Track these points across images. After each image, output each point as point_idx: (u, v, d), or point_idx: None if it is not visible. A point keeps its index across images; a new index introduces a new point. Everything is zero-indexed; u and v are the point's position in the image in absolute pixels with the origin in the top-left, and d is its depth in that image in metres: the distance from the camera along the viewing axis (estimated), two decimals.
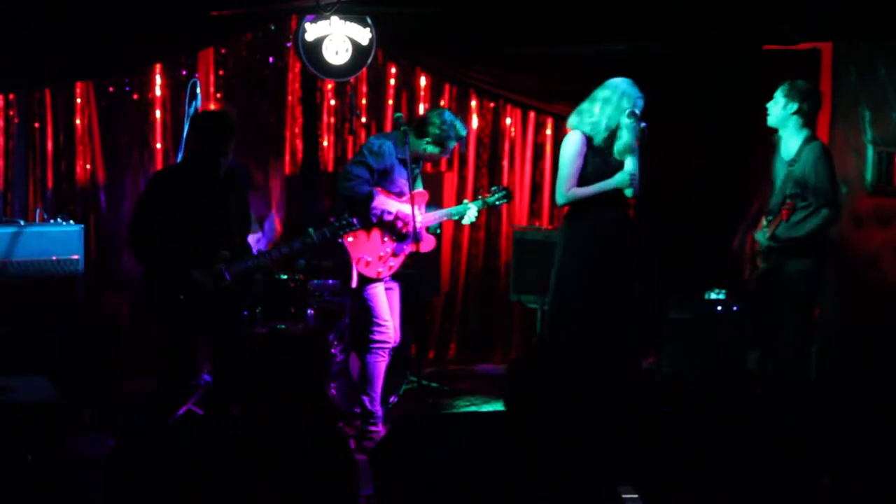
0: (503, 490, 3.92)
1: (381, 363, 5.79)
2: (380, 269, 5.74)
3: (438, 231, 6.09)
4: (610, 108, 5.50)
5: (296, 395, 5.83)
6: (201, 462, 2.90)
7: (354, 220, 5.37)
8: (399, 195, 5.72)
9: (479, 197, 6.16)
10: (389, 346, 5.80)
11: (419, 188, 5.87)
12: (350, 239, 5.67)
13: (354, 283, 5.72)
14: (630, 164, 5.47)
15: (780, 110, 5.62)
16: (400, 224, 5.72)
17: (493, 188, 6.32)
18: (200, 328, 5.13)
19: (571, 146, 5.56)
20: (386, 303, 5.79)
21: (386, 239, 5.77)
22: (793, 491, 2.53)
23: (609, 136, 5.53)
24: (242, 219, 5.25)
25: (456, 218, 6.00)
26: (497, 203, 6.22)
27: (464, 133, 5.85)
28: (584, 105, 5.59)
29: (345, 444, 3.03)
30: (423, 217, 5.84)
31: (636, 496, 2.56)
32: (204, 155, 5.03)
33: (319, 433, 2.99)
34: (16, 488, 4.12)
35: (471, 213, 5.96)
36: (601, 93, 5.56)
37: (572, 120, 5.61)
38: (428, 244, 5.92)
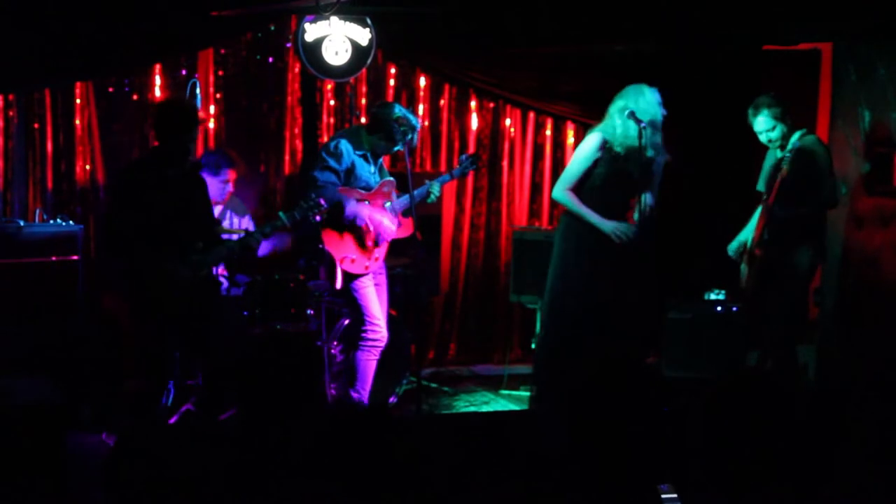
0: (503, 490, 3.92)
1: (371, 361, 5.81)
2: (367, 264, 5.78)
3: (431, 199, 6.04)
4: (623, 119, 5.53)
5: (295, 396, 5.83)
6: (200, 462, 2.90)
7: (322, 201, 5.41)
8: (366, 189, 5.76)
9: (448, 171, 6.20)
10: (382, 344, 5.82)
11: (386, 177, 5.89)
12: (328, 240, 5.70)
13: (339, 285, 5.74)
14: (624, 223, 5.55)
15: (782, 128, 5.79)
16: (371, 233, 5.76)
17: (460, 157, 6.35)
18: (181, 324, 5.11)
19: (585, 147, 5.62)
20: (376, 300, 5.81)
21: (366, 233, 5.80)
22: (792, 492, 2.53)
23: (628, 146, 5.55)
24: (207, 208, 5.29)
25: (419, 200, 5.94)
26: (465, 172, 6.26)
27: (416, 124, 5.81)
28: (611, 108, 5.62)
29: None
30: (393, 203, 5.89)
31: (675, 496, 2.55)
32: (169, 145, 5.05)
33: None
34: (16, 488, 4.12)
35: (434, 189, 5.98)
36: (619, 101, 5.58)
37: (602, 122, 5.67)
38: (406, 229, 5.95)
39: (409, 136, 5.72)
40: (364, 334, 5.78)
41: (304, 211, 5.42)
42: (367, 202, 5.78)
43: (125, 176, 5.27)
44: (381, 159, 5.93)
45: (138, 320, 5.17)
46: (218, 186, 6.27)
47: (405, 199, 5.87)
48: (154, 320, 5.05)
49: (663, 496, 2.58)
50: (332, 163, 5.67)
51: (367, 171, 5.80)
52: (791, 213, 5.75)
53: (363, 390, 5.82)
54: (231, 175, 6.40)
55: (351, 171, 5.73)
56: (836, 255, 6.70)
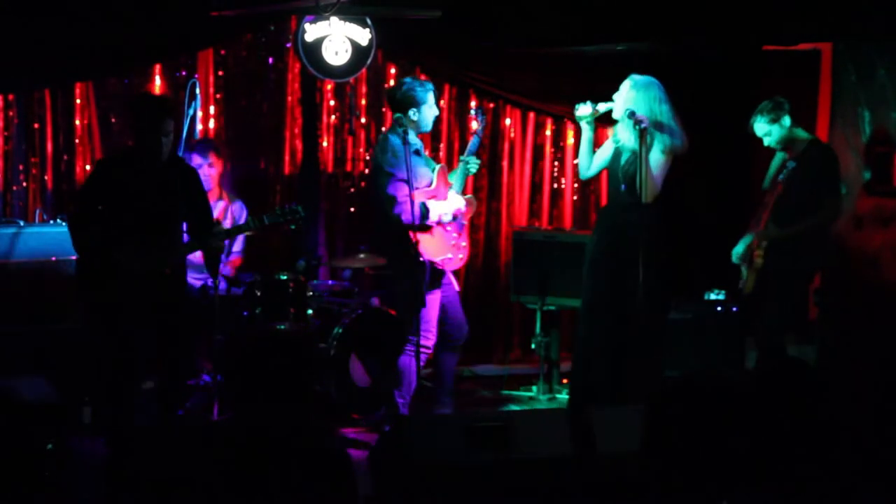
0: (503, 490, 3.92)
1: (415, 365, 5.84)
2: (460, 255, 5.88)
3: (471, 171, 6.06)
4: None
5: (294, 397, 5.83)
6: (200, 463, 2.90)
7: (299, 208, 5.38)
8: (428, 186, 5.79)
9: (475, 133, 6.18)
10: (430, 351, 5.86)
11: (436, 166, 5.90)
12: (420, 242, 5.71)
13: (457, 287, 5.89)
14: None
15: (779, 130, 5.76)
16: (455, 225, 5.83)
17: (475, 113, 6.36)
18: (141, 321, 5.11)
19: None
20: (436, 310, 5.83)
21: (449, 227, 5.86)
22: (792, 491, 2.53)
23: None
24: (193, 202, 5.25)
25: (466, 175, 5.98)
26: (484, 126, 6.26)
27: (427, 85, 5.84)
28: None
29: (341, 447, 3.03)
30: (454, 186, 5.91)
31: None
32: (141, 139, 5.07)
33: (315, 436, 3.00)
34: (16, 488, 4.12)
35: (471, 162, 5.99)
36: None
37: None
38: (471, 208, 6.05)
39: (428, 96, 5.76)
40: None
41: (277, 217, 5.36)
42: (436, 198, 5.79)
43: (95, 171, 5.31)
44: (421, 148, 5.90)
45: (93, 316, 5.18)
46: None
47: (458, 175, 5.90)
48: (107, 315, 5.07)
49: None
50: (399, 172, 5.61)
51: (422, 166, 5.81)
52: (787, 230, 5.74)
53: (408, 395, 5.83)
54: (196, 159, 6.25)
55: (412, 171, 5.74)
56: (836, 255, 6.70)
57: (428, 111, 5.79)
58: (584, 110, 5.68)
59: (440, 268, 5.76)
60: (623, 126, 5.61)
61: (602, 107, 5.67)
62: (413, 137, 5.72)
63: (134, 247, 5.01)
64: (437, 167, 5.89)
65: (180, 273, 5.24)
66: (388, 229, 5.72)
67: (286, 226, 5.41)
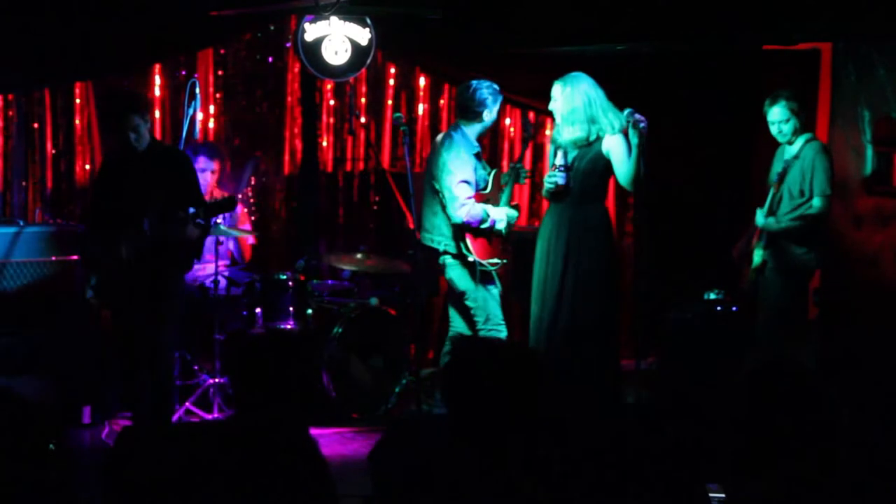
0: (502, 489, 3.91)
1: None
2: (505, 261, 5.96)
3: (522, 180, 6.13)
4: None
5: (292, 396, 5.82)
6: (200, 462, 2.90)
7: (238, 196, 5.65)
8: (484, 190, 5.84)
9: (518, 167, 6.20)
10: None
11: (490, 171, 5.94)
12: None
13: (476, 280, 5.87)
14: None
15: (796, 122, 5.77)
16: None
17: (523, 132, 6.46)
18: (125, 311, 5.28)
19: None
20: (497, 304, 5.94)
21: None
22: (794, 488, 2.53)
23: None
24: (176, 197, 5.23)
25: (511, 183, 6.00)
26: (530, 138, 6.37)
27: (494, 86, 5.85)
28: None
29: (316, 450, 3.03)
30: (506, 196, 5.97)
31: (723, 496, 2.55)
32: (112, 136, 5.23)
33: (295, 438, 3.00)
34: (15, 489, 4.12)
35: (522, 173, 6.03)
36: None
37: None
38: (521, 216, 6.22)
39: (497, 98, 5.78)
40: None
41: (214, 208, 5.36)
42: (490, 203, 5.85)
43: (98, 172, 5.45)
44: (480, 156, 5.95)
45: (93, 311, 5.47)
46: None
47: (508, 181, 5.94)
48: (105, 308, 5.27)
49: (711, 495, 2.58)
50: (466, 174, 5.70)
51: (481, 167, 5.85)
52: (781, 226, 5.76)
53: None
54: (201, 161, 6.29)
55: (474, 174, 5.79)
56: (836, 255, 6.70)
57: (490, 118, 5.84)
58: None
59: (490, 268, 5.83)
60: (569, 126, 5.64)
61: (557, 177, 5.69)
62: (473, 138, 5.79)
63: (109, 239, 5.12)
64: (493, 171, 5.94)
65: (164, 263, 5.26)
66: (444, 224, 5.78)
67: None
